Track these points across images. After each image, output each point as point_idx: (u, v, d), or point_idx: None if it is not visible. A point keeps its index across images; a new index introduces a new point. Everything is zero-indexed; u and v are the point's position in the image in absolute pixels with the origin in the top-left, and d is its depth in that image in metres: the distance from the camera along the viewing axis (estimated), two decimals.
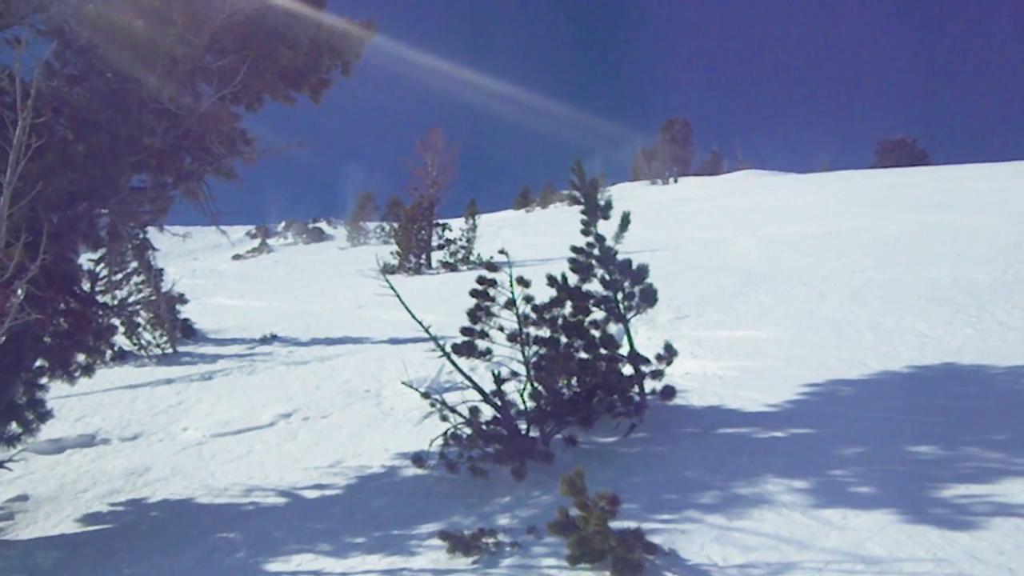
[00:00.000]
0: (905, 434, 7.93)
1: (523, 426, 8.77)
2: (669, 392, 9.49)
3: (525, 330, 8.97)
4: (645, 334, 13.51)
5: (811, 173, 65.49)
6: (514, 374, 9.04)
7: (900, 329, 12.35)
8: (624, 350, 9.51)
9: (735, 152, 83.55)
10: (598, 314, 9.58)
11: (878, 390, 9.69)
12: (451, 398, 9.76)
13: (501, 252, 9.13)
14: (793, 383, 10.27)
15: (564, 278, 9.44)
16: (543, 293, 9.26)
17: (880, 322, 12.90)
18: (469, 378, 8.96)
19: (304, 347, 18.19)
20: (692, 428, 9.04)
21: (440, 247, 33.54)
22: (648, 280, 9.61)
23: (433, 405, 8.88)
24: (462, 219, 35.15)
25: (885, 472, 7.04)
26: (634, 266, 9.62)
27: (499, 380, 8.77)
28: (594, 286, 9.65)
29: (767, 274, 18.68)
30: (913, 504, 6.31)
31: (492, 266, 9.19)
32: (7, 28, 8.14)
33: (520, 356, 8.98)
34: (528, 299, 9.03)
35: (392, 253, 34.13)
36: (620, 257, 9.65)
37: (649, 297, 9.64)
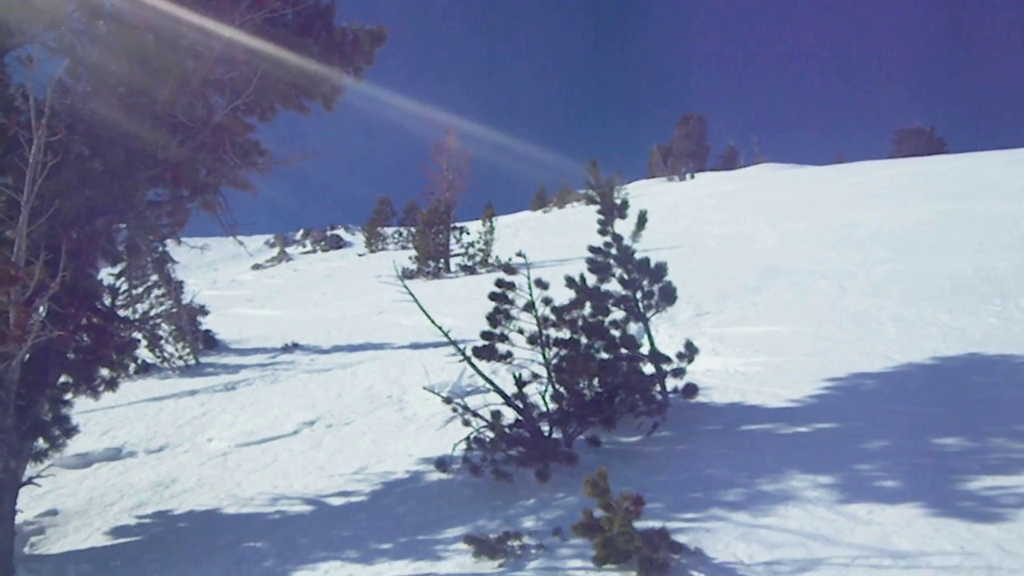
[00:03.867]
0: (930, 426, 7.88)
1: (545, 428, 8.76)
2: (691, 390, 9.46)
3: (545, 332, 8.95)
4: (666, 332, 13.47)
5: (828, 165, 65.25)
6: (535, 376, 9.02)
7: (923, 320, 12.27)
8: (645, 349, 9.49)
9: (752, 146, 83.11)
10: (618, 314, 9.56)
11: (902, 383, 9.62)
12: (473, 402, 9.75)
13: (519, 255, 9.10)
14: (816, 378, 10.21)
15: (582, 279, 9.42)
16: (562, 294, 9.24)
17: (902, 314, 12.83)
18: (490, 381, 8.96)
19: (326, 355, 18.24)
20: (715, 425, 9.00)
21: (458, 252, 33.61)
22: (667, 278, 9.59)
23: (455, 409, 8.87)
24: (479, 222, 35.19)
25: (911, 465, 6.99)
26: (652, 264, 9.60)
27: (520, 383, 8.77)
28: (613, 286, 9.64)
29: (787, 268, 18.61)
30: (940, 497, 6.27)
31: (510, 268, 9.18)
32: (19, 47, 8.18)
33: (541, 358, 8.96)
34: (547, 301, 9.00)
35: (411, 258, 34.18)
36: (638, 256, 9.63)
37: (668, 295, 9.62)
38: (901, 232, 21.66)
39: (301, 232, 75.06)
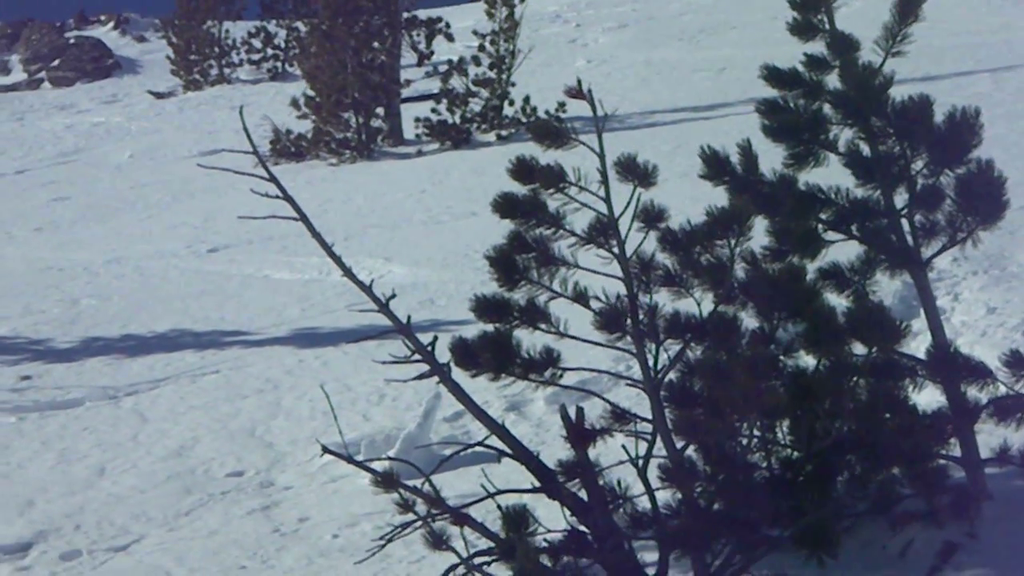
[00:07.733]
0: None
1: (648, 557, 8.72)
2: None
3: (645, 297, 8.86)
4: (974, 298, 13.45)
5: None
6: (620, 415, 8.98)
7: None
8: (917, 344, 9.51)
9: None
10: (840, 249, 9.54)
11: None
12: (456, 484, 9.76)
13: (574, 93, 9.01)
14: None
15: (748, 155, 9.38)
16: (691, 198, 9.23)
17: None
18: (501, 428, 8.89)
19: (63, 363, 18.24)
20: None
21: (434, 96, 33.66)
22: (976, 151, 9.50)
23: (406, 506, 8.79)
24: (479, 4, 35.19)
25: None
26: (940, 119, 9.53)
27: (580, 432, 8.70)
28: (829, 175, 9.58)
29: None
30: None
31: (552, 132, 9.09)
32: None
33: (637, 367, 8.89)
34: (650, 216, 8.88)
35: (297, 102, 34.20)
36: (899, 95, 9.56)
37: (984, 201, 9.52)
38: None
39: None
